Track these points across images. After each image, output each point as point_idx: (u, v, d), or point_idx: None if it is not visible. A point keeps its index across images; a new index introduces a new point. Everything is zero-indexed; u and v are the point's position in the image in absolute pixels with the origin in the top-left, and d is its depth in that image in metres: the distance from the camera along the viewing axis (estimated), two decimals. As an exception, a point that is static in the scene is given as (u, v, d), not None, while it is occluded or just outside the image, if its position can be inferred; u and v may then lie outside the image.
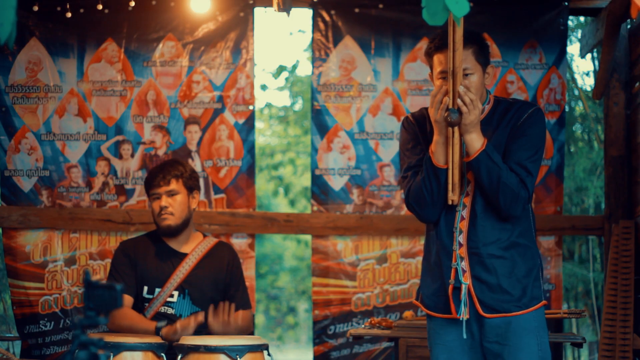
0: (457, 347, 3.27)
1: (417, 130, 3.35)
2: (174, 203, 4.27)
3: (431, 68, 3.29)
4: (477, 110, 3.13)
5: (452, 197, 3.21)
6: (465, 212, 3.24)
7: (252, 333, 4.29)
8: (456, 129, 3.17)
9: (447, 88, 3.15)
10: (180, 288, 4.26)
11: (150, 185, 4.31)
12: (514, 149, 3.23)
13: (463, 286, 3.21)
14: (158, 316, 4.24)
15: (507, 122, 3.27)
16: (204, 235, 4.45)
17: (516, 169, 3.20)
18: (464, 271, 3.22)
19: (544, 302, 3.29)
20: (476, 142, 3.16)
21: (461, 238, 3.24)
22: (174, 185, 4.27)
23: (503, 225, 3.24)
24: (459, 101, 3.13)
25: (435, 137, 3.20)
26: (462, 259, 3.23)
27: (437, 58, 3.24)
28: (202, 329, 4.08)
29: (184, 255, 4.32)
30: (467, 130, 3.16)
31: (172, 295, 4.26)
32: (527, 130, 3.24)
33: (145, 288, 4.27)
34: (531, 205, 3.33)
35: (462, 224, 3.24)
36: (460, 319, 3.22)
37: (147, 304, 4.26)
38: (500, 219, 3.23)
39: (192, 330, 3.95)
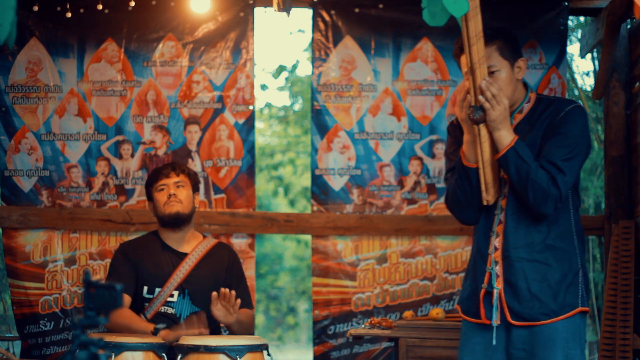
0: (481, 351, 3.22)
1: (459, 134, 3.29)
2: (182, 194, 4.31)
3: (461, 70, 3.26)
4: (501, 105, 3.06)
5: (487, 197, 3.16)
6: (502, 216, 3.18)
7: (252, 333, 4.29)
8: (483, 126, 3.10)
9: (468, 85, 3.10)
10: (180, 288, 4.27)
11: (158, 176, 4.33)
12: (547, 146, 3.15)
13: (495, 291, 3.15)
14: (158, 316, 4.24)
15: (544, 119, 3.20)
16: (204, 236, 4.47)
17: (547, 167, 3.11)
18: (497, 276, 3.16)
19: (580, 308, 3.18)
20: (505, 139, 3.10)
21: (497, 242, 3.18)
22: (183, 177, 4.34)
23: (538, 227, 3.16)
24: (480, 98, 3.07)
25: (465, 137, 3.16)
26: (496, 263, 3.16)
27: (463, 59, 3.18)
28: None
29: (184, 254, 4.33)
30: (495, 127, 3.09)
31: (172, 295, 4.27)
32: (563, 128, 3.15)
33: (145, 288, 4.27)
34: (572, 205, 3.23)
35: (499, 228, 3.18)
36: (493, 324, 3.16)
37: (147, 304, 4.26)
38: (534, 220, 3.15)
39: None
